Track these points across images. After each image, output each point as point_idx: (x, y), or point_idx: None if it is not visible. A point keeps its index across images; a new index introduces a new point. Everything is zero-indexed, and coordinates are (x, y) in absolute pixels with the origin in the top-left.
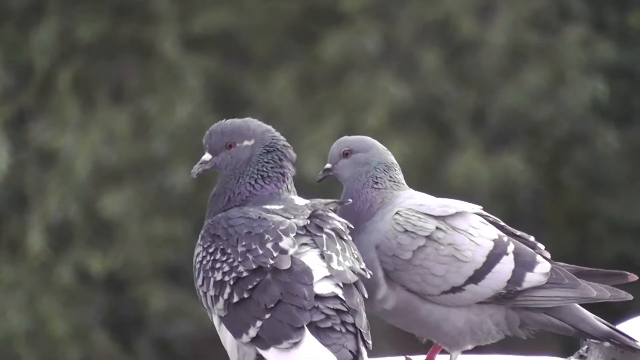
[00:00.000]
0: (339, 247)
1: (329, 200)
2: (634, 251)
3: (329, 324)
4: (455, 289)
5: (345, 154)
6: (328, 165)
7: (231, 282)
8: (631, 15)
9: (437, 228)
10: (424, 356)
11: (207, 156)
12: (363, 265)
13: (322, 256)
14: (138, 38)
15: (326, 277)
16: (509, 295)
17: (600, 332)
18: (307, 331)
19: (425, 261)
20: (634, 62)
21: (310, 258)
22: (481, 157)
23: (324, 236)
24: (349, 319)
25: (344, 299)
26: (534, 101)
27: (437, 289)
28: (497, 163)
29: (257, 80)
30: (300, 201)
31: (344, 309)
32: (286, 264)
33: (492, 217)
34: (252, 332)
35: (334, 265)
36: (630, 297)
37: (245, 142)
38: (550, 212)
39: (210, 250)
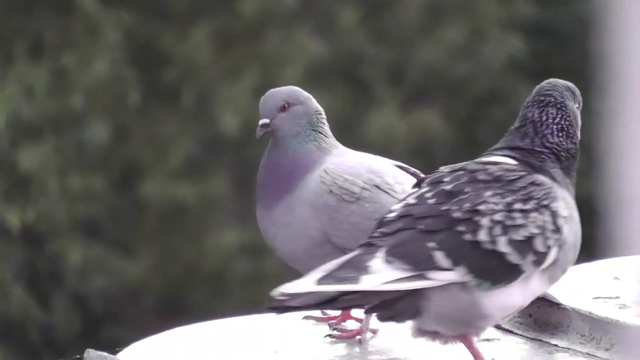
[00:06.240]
0: None
1: None
2: None
3: None
4: None
5: (283, 108)
6: (265, 121)
7: None
8: None
9: (363, 188)
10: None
11: None
12: None
13: None
14: None
15: None
16: None
17: None
18: None
19: (349, 217)
20: (552, 20)
21: None
22: (399, 114)
23: None
24: None
25: None
26: (452, 58)
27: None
28: (414, 119)
29: (175, 35)
30: None
31: None
32: None
33: (412, 170)
34: None
35: None
36: None
37: None
38: None
39: None
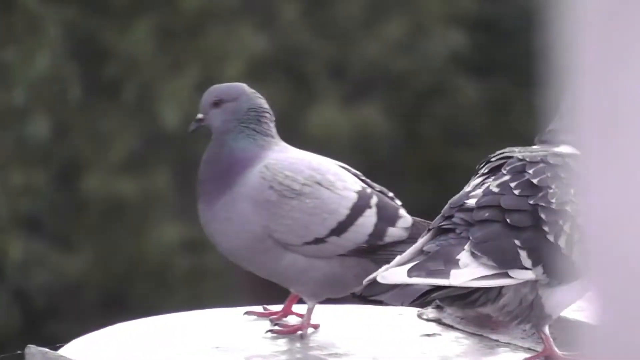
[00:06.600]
0: None
1: None
2: None
3: None
4: (318, 240)
5: (216, 104)
6: (200, 116)
7: None
8: None
9: (304, 184)
10: (282, 305)
11: None
12: None
13: None
14: None
15: None
16: (370, 249)
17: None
18: None
19: (290, 212)
20: (495, 14)
21: None
22: (340, 109)
23: None
24: None
25: None
26: (393, 53)
27: (300, 239)
28: (356, 114)
29: (117, 30)
30: None
31: None
32: None
33: (353, 171)
34: None
35: None
36: None
37: None
38: (409, 164)
39: None
